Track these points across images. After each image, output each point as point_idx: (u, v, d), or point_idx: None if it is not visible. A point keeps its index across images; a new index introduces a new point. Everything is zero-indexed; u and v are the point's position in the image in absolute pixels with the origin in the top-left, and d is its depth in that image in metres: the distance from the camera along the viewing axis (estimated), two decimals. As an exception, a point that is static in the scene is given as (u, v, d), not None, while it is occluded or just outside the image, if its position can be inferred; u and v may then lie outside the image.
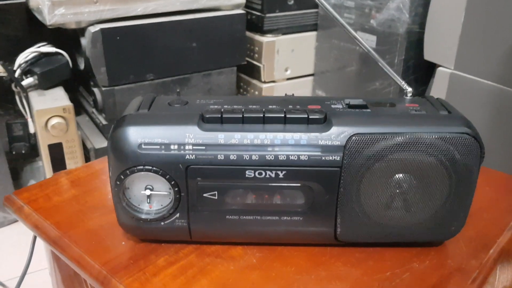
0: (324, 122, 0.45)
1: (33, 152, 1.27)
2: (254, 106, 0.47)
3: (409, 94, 0.52)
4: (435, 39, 1.13)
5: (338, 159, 0.44)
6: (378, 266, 0.48)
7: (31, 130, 1.22)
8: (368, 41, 1.26)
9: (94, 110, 1.30)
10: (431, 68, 1.18)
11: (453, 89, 1.08)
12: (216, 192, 0.46)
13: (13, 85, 1.18)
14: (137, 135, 0.44)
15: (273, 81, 1.48)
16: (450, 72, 1.10)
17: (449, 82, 1.10)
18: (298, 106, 0.47)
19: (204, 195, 0.46)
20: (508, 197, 0.61)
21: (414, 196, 0.46)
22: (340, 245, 0.50)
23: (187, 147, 0.44)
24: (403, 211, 0.46)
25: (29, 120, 1.20)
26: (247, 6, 1.39)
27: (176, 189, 0.45)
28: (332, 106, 0.48)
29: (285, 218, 0.47)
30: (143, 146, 0.44)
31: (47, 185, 0.62)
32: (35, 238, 0.58)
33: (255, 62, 1.46)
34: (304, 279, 0.46)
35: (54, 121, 1.10)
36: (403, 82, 0.52)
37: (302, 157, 0.44)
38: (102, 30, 1.12)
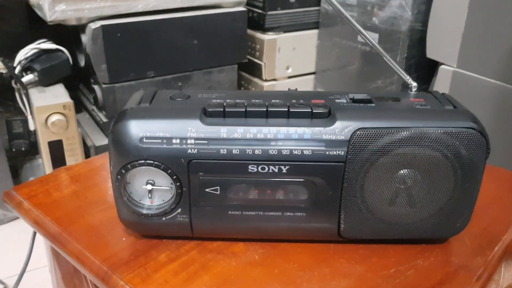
0: (328, 117, 0.45)
1: (33, 149, 1.26)
2: (257, 100, 0.47)
3: (414, 89, 0.51)
4: (437, 37, 1.13)
5: (342, 154, 0.43)
6: (382, 263, 0.47)
7: (31, 127, 1.22)
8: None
9: (94, 107, 1.29)
10: (434, 66, 1.18)
11: (456, 87, 1.07)
12: (218, 187, 0.45)
13: (13, 82, 1.18)
14: (138, 129, 0.44)
15: (274, 79, 1.47)
16: (452, 70, 1.10)
17: (451, 80, 1.09)
18: (301, 101, 0.47)
19: (206, 190, 0.45)
20: (512, 195, 0.60)
21: (419, 192, 0.45)
22: (343, 241, 0.49)
23: (189, 141, 0.43)
24: (408, 207, 0.46)
25: (29, 117, 1.20)
26: (248, 3, 1.38)
27: (178, 184, 0.45)
28: (336, 100, 0.47)
29: (288, 213, 0.46)
30: (144, 140, 0.44)
31: (47, 180, 0.62)
32: (34, 234, 0.57)
33: (256, 60, 1.45)
34: (307, 275, 0.45)
35: (54, 118, 1.10)
36: (408, 77, 0.51)
37: (305, 152, 0.43)
38: (102, 26, 1.12)
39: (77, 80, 1.39)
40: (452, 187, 0.45)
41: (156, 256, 0.47)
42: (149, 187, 0.46)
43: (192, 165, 0.44)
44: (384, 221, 0.47)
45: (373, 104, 0.47)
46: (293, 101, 0.46)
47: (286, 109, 0.44)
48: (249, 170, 0.44)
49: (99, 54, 1.14)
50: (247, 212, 0.46)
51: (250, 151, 0.43)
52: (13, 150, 1.22)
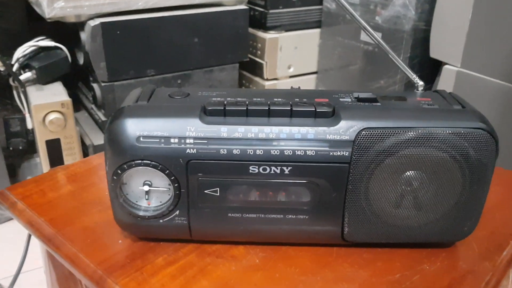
0: (332, 116, 0.43)
1: (31, 148, 1.25)
2: (259, 99, 0.45)
3: (421, 88, 0.50)
4: (441, 36, 1.12)
5: (346, 154, 0.42)
6: (387, 268, 0.46)
7: (29, 125, 1.20)
8: (373, 38, 1.24)
9: (93, 106, 1.28)
10: (437, 66, 1.16)
11: (460, 87, 1.06)
12: (218, 189, 0.44)
13: (11, 80, 1.16)
14: (135, 127, 0.42)
15: (276, 79, 1.46)
16: (456, 70, 1.09)
17: (455, 80, 1.08)
18: (304, 99, 0.45)
19: (205, 191, 0.44)
20: (520, 197, 0.59)
21: (426, 195, 0.44)
22: (347, 245, 0.48)
23: (188, 141, 0.42)
24: (414, 210, 0.45)
25: (27, 115, 1.19)
26: (250, 2, 1.37)
27: (176, 185, 0.44)
28: (340, 99, 0.46)
29: (290, 216, 0.45)
30: (141, 139, 0.42)
31: (43, 180, 0.60)
32: (29, 235, 0.56)
33: (257, 59, 1.44)
34: (309, 280, 0.44)
35: (52, 116, 1.08)
36: (414, 76, 0.50)
37: (309, 152, 0.42)
38: (102, 24, 1.11)
39: (76, 78, 1.38)
40: (460, 190, 0.44)
41: (153, 260, 0.46)
42: (146, 188, 0.44)
43: (191, 166, 0.43)
44: (389, 224, 0.45)
45: (378, 104, 0.45)
46: (296, 99, 0.45)
47: (289, 108, 0.43)
48: (250, 171, 0.43)
49: (98, 52, 1.13)
50: (247, 215, 0.45)
51: (251, 151, 0.42)
52: (11, 149, 1.21)
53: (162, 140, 0.42)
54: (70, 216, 0.53)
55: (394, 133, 0.42)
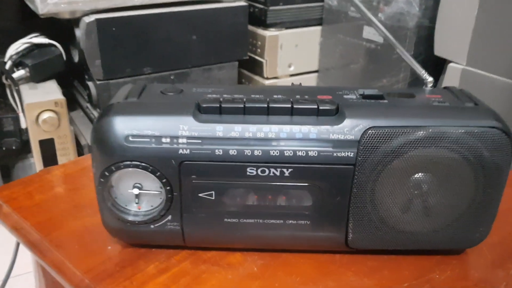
0: (336, 114, 0.41)
1: (25, 148, 1.23)
2: (257, 96, 0.43)
3: (430, 85, 0.47)
4: (446, 34, 1.09)
5: (351, 155, 0.39)
6: (393, 277, 0.43)
7: (23, 125, 1.18)
8: (375, 35, 1.22)
9: (88, 105, 1.26)
10: (441, 64, 1.14)
11: (465, 86, 1.03)
12: (213, 192, 0.42)
13: (3, 78, 1.14)
14: (124, 126, 0.40)
15: (276, 78, 1.45)
16: (461, 68, 1.06)
17: (460, 78, 1.06)
18: (306, 96, 0.43)
19: (200, 195, 0.42)
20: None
21: (436, 199, 0.42)
22: (351, 252, 0.45)
23: (180, 140, 0.40)
24: (423, 216, 0.42)
25: (21, 114, 1.16)
26: (249, -2, 1.35)
27: (168, 188, 0.41)
28: (345, 96, 0.43)
29: (290, 221, 0.43)
30: (130, 139, 0.40)
31: (31, 182, 0.58)
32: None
33: (257, 57, 1.43)
34: (311, 290, 0.42)
35: (45, 115, 1.06)
36: (423, 71, 0.47)
37: (311, 153, 0.40)
38: (97, 20, 1.09)
39: (71, 77, 1.35)
40: (473, 194, 0.41)
41: (144, 268, 0.44)
42: (136, 191, 0.42)
43: (184, 167, 0.40)
44: (396, 230, 0.43)
45: (385, 101, 0.43)
46: (297, 96, 0.43)
47: (290, 106, 0.40)
48: (248, 173, 0.40)
49: (93, 49, 1.10)
50: (245, 220, 0.43)
51: (249, 152, 0.40)
52: (4, 148, 1.18)
53: (153, 140, 0.40)
54: (58, 220, 0.50)
55: (402, 132, 0.39)
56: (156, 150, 0.40)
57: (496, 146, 0.39)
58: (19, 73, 1.14)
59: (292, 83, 0.47)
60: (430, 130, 0.39)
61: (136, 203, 0.43)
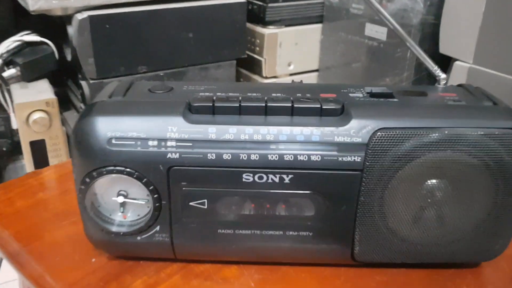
0: (341, 114, 0.37)
1: (17, 149, 1.19)
2: (254, 94, 0.40)
3: (443, 82, 0.43)
4: (452, 31, 1.06)
5: (358, 160, 0.36)
6: (404, 292, 0.40)
7: (14, 125, 1.14)
8: (378, 33, 1.18)
9: (82, 104, 1.22)
10: (447, 62, 1.10)
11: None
12: (205, 200, 0.38)
13: (-7, 77, 1.10)
14: (106, 127, 0.36)
15: (275, 77, 1.42)
16: (468, 66, 1.03)
17: (467, 77, 1.03)
18: (308, 95, 0.39)
19: (191, 203, 0.38)
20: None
21: (451, 208, 0.38)
22: (357, 265, 0.42)
23: (169, 144, 0.36)
24: (436, 226, 0.39)
25: (12, 114, 1.12)
26: (248, -5, 1.32)
27: (155, 196, 0.37)
28: (350, 94, 0.40)
29: (290, 233, 0.39)
30: (113, 142, 0.36)
31: (12, 187, 0.55)
32: None
33: (256, 56, 1.39)
34: (313, 308, 0.38)
35: (36, 115, 1.02)
36: (436, 67, 0.43)
37: (313, 158, 0.36)
38: (90, 17, 1.06)
39: (65, 76, 1.32)
40: (492, 202, 0.38)
41: (131, 282, 0.40)
42: (121, 199, 0.38)
43: (173, 173, 0.37)
44: (407, 242, 0.39)
45: (395, 99, 0.39)
46: (298, 95, 0.39)
47: (290, 105, 0.37)
48: (244, 180, 0.37)
49: (86, 47, 1.07)
50: (240, 231, 0.39)
51: (245, 156, 0.36)
52: (-6, 150, 1.15)
53: (139, 143, 0.36)
54: (38, 229, 0.47)
55: (415, 134, 0.36)
56: (142, 154, 0.36)
57: (519, 150, 0.36)
58: (9, 72, 1.10)
59: (293, 81, 0.44)
60: (446, 132, 0.36)
61: (121, 212, 0.39)
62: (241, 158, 0.36)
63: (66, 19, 1.09)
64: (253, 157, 0.36)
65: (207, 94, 0.39)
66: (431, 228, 0.39)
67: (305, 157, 0.36)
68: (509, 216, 0.38)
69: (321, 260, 0.42)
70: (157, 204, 0.38)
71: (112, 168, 0.36)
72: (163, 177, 0.37)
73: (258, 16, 1.35)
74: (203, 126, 0.36)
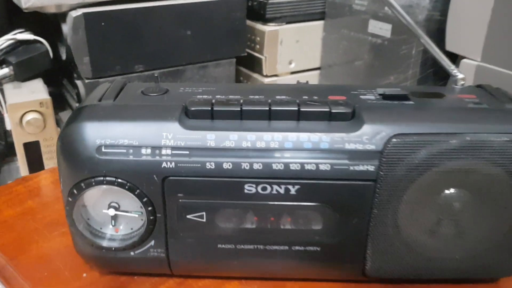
0: (352, 118, 0.34)
1: (11, 151, 1.16)
2: (257, 97, 0.37)
3: (460, 83, 0.40)
4: (459, 28, 1.03)
5: (372, 169, 0.33)
6: (419, 310, 0.37)
7: (8, 126, 1.11)
8: (382, 30, 1.15)
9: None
10: (453, 60, 1.08)
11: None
12: (204, 213, 0.35)
13: (-14, 76, 1.07)
14: (95, 133, 0.33)
15: (276, 75, 1.39)
16: (476, 64, 1.00)
17: (475, 76, 1.00)
18: (315, 97, 0.36)
19: (188, 216, 0.35)
20: None
21: (471, 220, 0.35)
22: (369, 281, 0.39)
23: (164, 152, 0.33)
24: (455, 240, 0.36)
25: (5, 115, 1.09)
26: (248, -8, 1.30)
27: (149, 208, 0.34)
28: (361, 97, 0.37)
29: (297, 248, 0.36)
30: (103, 150, 0.33)
31: None
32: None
33: (256, 54, 1.37)
34: (321, 329, 0.35)
35: (30, 116, 0.99)
36: (453, 66, 0.40)
37: (322, 167, 0.33)
38: (84, 14, 1.03)
39: (60, 75, 1.29)
40: None
41: (124, 301, 0.37)
42: (112, 212, 0.35)
43: (169, 184, 0.34)
44: (423, 257, 0.37)
45: (410, 102, 0.36)
46: (304, 97, 0.36)
47: (296, 108, 0.34)
48: (246, 191, 0.34)
49: (81, 46, 1.04)
50: (242, 246, 0.36)
51: (247, 166, 0.33)
52: (-13, 151, 1.12)
53: (131, 151, 0.33)
54: (26, 241, 0.45)
55: (434, 140, 0.33)
56: (135, 163, 0.33)
57: (546, 158, 0.33)
58: (2, 72, 1.08)
59: (298, 81, 0.41)
60: (467, 138, 0.33)
61: (113, 225, 0.36)
62: (242, 167, 0.33)
63: (60, 17, 1.07)
64: (256, 166, 0.33)
65: (205, 96, 0.36)
66: (449, 242, 0.36)
67: (313, 166, 0.33)
68: (534, 229, 0.36)
69: (329, 276, 0.39)
70: (151, 217, 0.35)
71: (101, 178, 0.33)
72: (158, 188, 0.34)
73: (258, 13, 1.32)
74: (201, 132, 0.33)
